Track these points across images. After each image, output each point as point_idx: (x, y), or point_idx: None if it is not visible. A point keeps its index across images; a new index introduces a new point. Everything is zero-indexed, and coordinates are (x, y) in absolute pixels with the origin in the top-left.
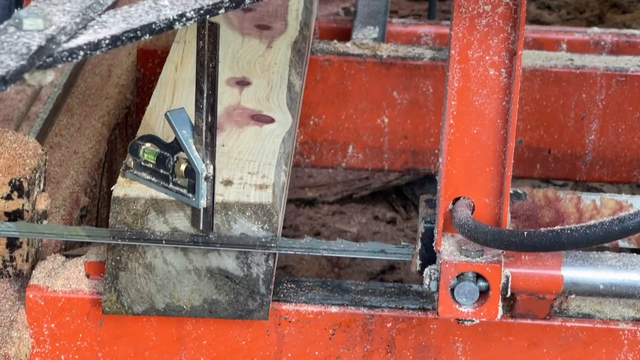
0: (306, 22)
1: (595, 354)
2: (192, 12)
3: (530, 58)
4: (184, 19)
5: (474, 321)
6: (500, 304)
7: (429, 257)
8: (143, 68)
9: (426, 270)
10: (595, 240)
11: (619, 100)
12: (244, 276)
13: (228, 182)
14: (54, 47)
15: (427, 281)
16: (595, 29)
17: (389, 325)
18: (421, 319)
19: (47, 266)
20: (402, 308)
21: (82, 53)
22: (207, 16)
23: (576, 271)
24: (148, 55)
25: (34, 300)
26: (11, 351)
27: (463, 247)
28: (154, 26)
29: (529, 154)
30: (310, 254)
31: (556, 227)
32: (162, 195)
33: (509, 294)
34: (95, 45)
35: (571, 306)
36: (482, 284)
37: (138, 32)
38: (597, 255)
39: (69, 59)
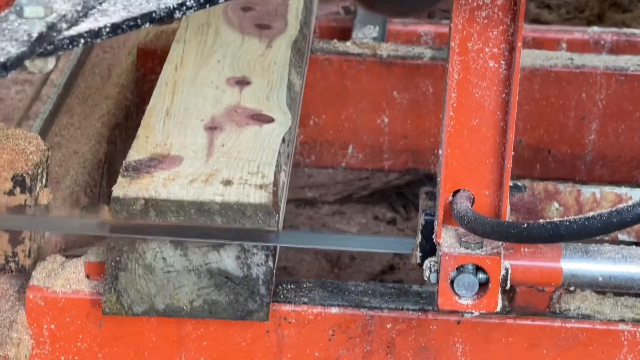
0: (306, 21)
1: (595, 355)
2: (192, 1)
3: (530, 57)
4: (184, 7)
5: (473, 313)
6: (499, 296)
7: (429, 249)
8: (143, 68)
9: (426, 262)
10: (594, 232)
11: (619, 100)
12: (244, 277)
13: (228, 182)
14: (54, 34)
15: (427, 273)
16: (595, 28)
17: (388, 326)
18: (421, 320)
19: (47, 266)
20: (402, 309)
21: (82, 41)
22: (208, 5)
23: (575, 263)
24: (148, 55)
25: (34, 301)
26: (11, 352)
27: (463, 239)
28: (154, 15)
29: (528, 154)
30: (311, 247)
31: (555, 219)
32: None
33: (508, 286)
34: (95, 33)
35: (571, 307)
36: (481, 276)
37: (138, 21)
38: (596, 247)
39: (70, 46)
